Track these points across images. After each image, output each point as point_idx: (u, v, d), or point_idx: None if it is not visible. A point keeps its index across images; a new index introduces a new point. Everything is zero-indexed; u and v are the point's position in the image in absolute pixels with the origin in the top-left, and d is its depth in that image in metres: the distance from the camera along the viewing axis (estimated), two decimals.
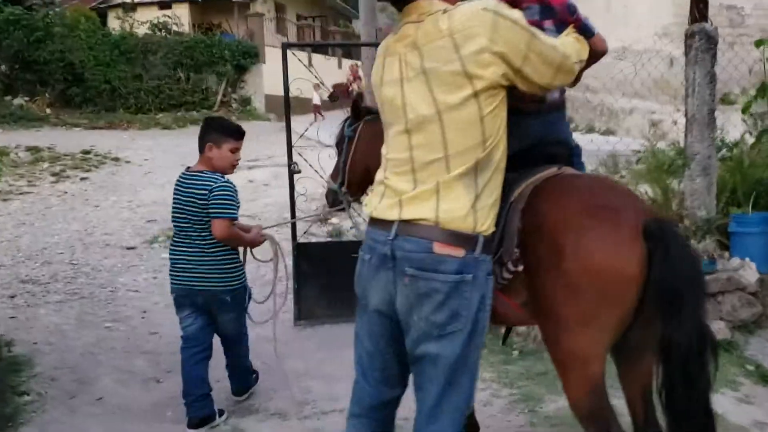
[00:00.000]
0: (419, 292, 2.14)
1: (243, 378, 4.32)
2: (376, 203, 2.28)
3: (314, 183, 6.08)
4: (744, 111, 7.95)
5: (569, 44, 2.34)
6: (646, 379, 2.46)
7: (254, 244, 4.01)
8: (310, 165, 5.79)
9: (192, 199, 3.78)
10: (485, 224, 2.14)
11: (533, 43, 2.09)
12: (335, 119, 4.40)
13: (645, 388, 2.50)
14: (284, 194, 12.58)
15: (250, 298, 4.09)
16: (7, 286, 7.30)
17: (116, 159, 15.81)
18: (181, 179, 3.90)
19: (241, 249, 4.05)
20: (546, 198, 2.35)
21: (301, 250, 5.98)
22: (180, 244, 3.90)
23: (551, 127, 2.67)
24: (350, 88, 23.98)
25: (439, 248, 2.10)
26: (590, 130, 17.56)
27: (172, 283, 3.98)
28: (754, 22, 17.38)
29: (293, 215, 6.08)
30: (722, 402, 3.94)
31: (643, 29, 15.89)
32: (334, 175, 3.83)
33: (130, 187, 13.29)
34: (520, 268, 2.37)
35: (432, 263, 2.11)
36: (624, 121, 17.34)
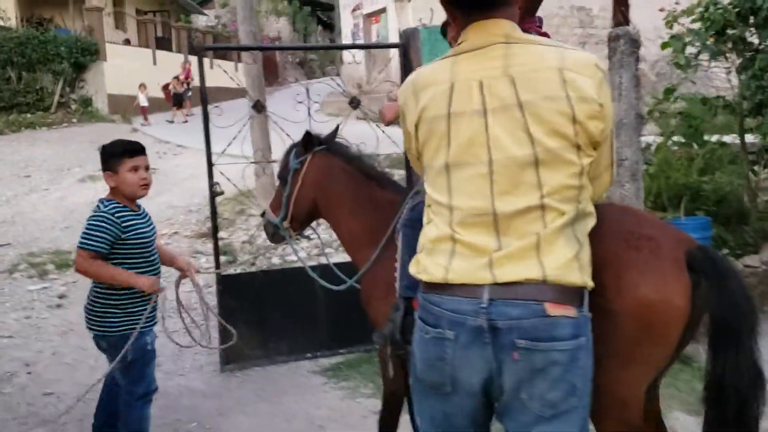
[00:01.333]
0: (534, 367, 1.80)
1: None
2: (444, 264, 1.88)
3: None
4: (650, 113, 8.01)
5: None
6: (657, 405, 2.46)
7: (138, 287, 3.36)
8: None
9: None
10: (589, 276, 1.89)
11: (612, 134, 1.93)
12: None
13: (658, 414, 2.47)
14: (154, 205, 11.94)
15: (143, 355, 3.43)
16: None
17: None
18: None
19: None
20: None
21: (227, 283, 5.20)
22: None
23: None
24: (182, 87, 22.70)
25: (552, 309, 1.80)
26: None
27: None
28: (601, 23, 18.14)
29: (216, 244, 5.28)
30: None
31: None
32: (274, 207, 3.49)
33: None
34: None
35: (547, 329, 1.79)
36: None
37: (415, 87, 1.96)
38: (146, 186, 3.44)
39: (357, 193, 3.20)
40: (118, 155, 3.41)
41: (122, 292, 3.38)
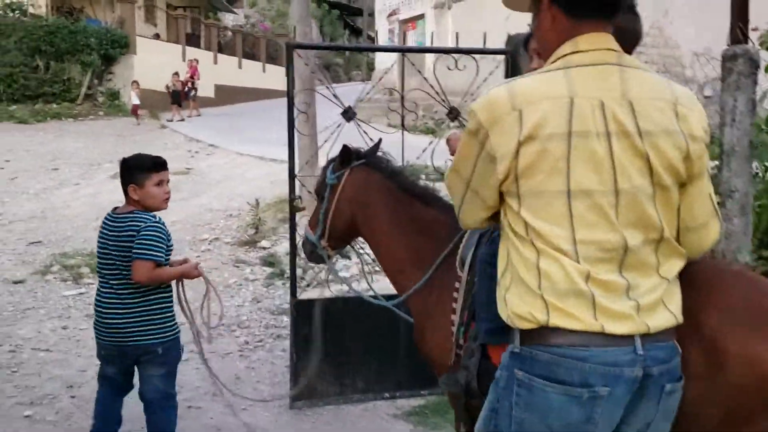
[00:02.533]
0: (668, 408, 1.81)
1: None
2: (589, 310, 1.67)
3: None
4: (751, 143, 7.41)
5: None
6: None
7: (186, 276, 3.64)
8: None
9: (119, 243, 3.43)
10: None
11: (707, 170, 1.84)
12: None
13: None
14: (192, 207, 11.48)
15: (180, 355, 3.68)
16: None
17: None
18: (108, 222, 3.53)
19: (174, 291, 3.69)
20: (689, 288, 1.93)
21: (302, 309, 4.60)
22: (107, 295, 3.50)
23: None
24: (187, 86, 21.34)
25: (676, 344, 1.81)
26: None
27: (100, 339, 3.55)
28: (650, 41, 17.52)
29: (293, 270, 4.70)
30: None
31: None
32: (312, 224, 3.34)
33: None
34: None
35: (678, 367, 1.81)
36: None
37: (516, 101, 1.71)
38: (168, 200, 3.61)
39: (398, 210, 3.02)
40: (145, 170, 3.50)
41: (168, 294, 3.54)
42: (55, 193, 11.59)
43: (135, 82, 20.13)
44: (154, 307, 3.48)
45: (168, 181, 3.61)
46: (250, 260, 8.41)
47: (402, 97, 4.82)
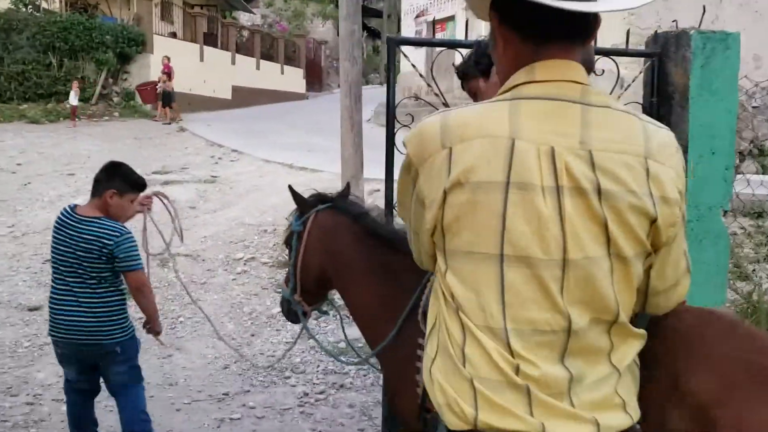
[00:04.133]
0: None
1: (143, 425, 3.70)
2: (520, 404, 1.38)
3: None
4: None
5: None
6: None
7: (156, 323, 3.79)
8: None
9: (89, 246, 3.44)
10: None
11: (683, 220, 1.51)
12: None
13: None
14: (223, 221, 10.66)
15: (138, 348, 3.72)
16: None
17: None
18: (70, 221, 3.50)
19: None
20: (674, 348, 1.75)
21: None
22: (63, 293, 3.51)
23: None
24: (158, 86, 19.86)
25: None
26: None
27: (56, 338, 3.58)
28: None
29: None
30: None
31: None
32: (286, 279, 3.08)
33: (6, 206, 10.24)
34: None
35: None
36: None
37: (448, 136, 1.42)
38: (131, 218, 3.74)
39: (366, 256, 2.76)
40: (130, 183, 3.59)
41: (122, 296, 3.59)
42: (72, 201, 10.70)
43: (76, 80, 18.73)
44: (110, 308, 3.52)
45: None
46: None
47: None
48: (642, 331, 1.52)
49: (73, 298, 3.47)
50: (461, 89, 3.15)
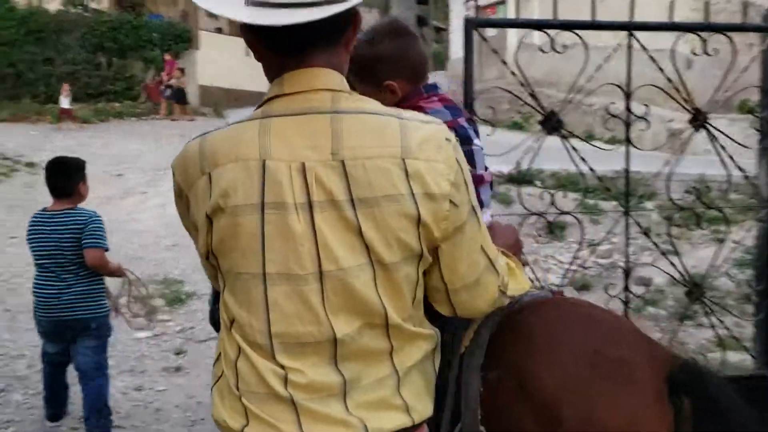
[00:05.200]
0: None
1: (103, 417, 4.01)
2: (287, 415, 1.40)
3: None
4: None
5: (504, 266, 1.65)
6: None
7: (117, 273, 4.20)
8: None
9: (68, 236, 3.82)
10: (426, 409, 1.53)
11: (475, 215, 1.49)
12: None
13: None
14: None
15: (110, 331, 4.13)
16: None
17: (31, 164, 12.60)
18: (47, 219, 3.88)
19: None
20: (522, 346, 1.79)
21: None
22: (49, 279, 3.88)
23: None
24: (162, 86, 19.24)
25: None
26: (590, 136, 15.52)
27: (40, 317, 3.96)
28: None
29: None
30: None
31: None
32: None
33: None
34: None
35: None
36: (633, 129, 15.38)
37: (205, 162, 1.41)
38: None
39: None
40: (83, 168, 4.00)
41: (101, 278, 3.97)
42: (120, 203, 10.62)
43: (66, 83, 17.53)
44: (89, 287, 3.88)
45: None
46: None
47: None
48: (430, 331, 1.52)
49: (57, 282, 3.85)
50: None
